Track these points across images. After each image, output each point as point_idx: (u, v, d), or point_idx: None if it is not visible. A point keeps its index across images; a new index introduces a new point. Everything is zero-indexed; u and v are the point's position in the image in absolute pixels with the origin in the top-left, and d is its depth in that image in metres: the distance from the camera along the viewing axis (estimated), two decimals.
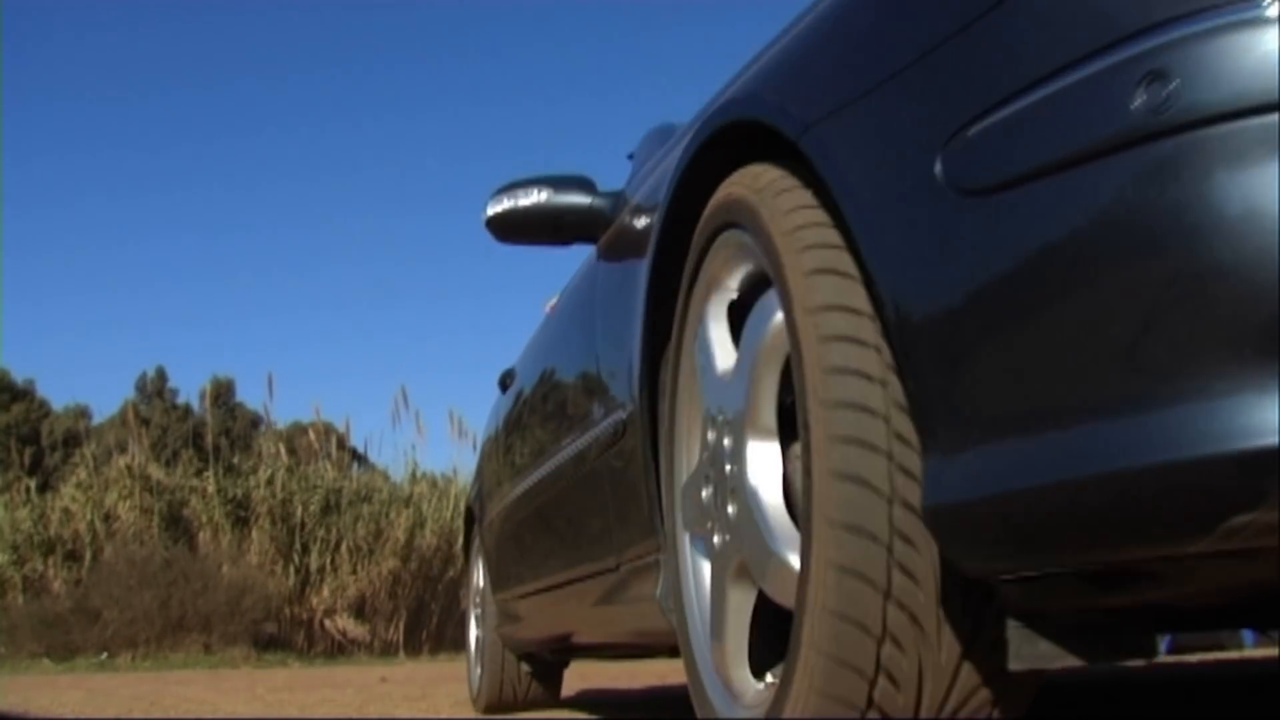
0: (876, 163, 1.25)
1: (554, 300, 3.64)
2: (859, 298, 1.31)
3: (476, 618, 4.54)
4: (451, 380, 37.23)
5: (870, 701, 1.29)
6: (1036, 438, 1.04)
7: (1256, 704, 3.02)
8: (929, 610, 1.26)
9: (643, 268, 2.07)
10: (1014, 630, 1.20)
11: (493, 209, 2.87)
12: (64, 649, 10.28)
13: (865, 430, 1.26)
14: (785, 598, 1.49)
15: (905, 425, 1.25)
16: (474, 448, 10.24)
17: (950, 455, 1.14)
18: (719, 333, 1.67)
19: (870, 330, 1.29)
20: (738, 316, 1.68)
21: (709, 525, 1.70)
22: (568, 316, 3.05)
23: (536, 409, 3.33)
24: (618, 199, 2.74)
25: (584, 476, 2.53)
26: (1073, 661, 1.21)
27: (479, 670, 4.36)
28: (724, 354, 1.66)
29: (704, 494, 1.70)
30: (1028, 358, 1.05)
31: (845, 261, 1.34)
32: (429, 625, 11.61)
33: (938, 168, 1.14)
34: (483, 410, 6.64)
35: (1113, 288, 0.98)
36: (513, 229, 2.89)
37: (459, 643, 10.83)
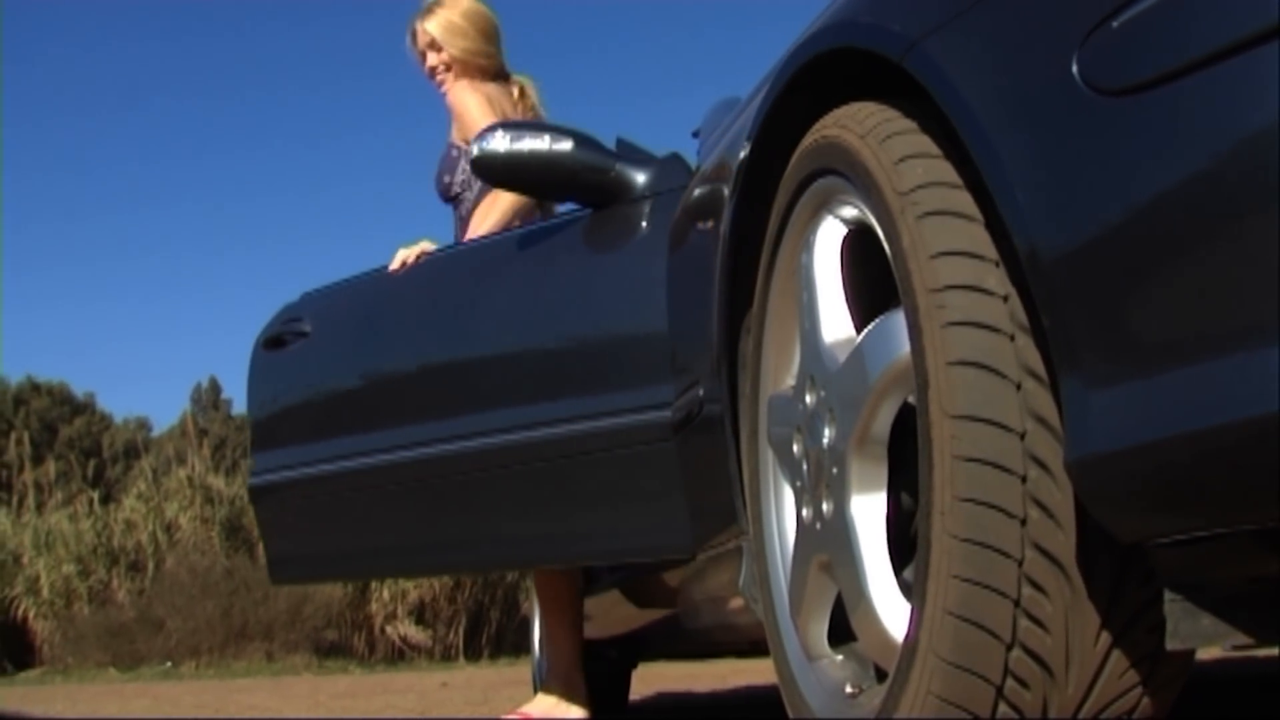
0: (997, 72, 1.10)
1: (411, 253, 3.04)
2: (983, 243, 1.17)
3: (540, 620, 4.42)
4: None
5: (1000, 696, 1.14)
6: (1208, 370, 0.89)
7: (1257, 704, 2.87)
8: (1073, 584, 1.11)
9: (716, 237, 1.93)
10: (1172, 604, 1.04)
11: (496, 146, 2.51)
12: (129, 658, 10.30)
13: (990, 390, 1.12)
14: (871, 647, 1.38)
15: (1034, 357, 1.12)
16: None
17: (1101, 399, 0.98)
18: (825, 275, 1.52)
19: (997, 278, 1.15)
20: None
21: (797, 483, 1.57)
22: (553, 282, 2.62)
23: (496, 370, 2.69)
24: (661, 169, 2.53)
25: (624, 460, 2.33)
26: (1238, 639, 1.05)
27: (544, 674, 4.24)
28: (831, 313, 1.51)
29: (795, 448, 1.57)
30: (1197, 276, 0.90)
31: (965, 202, 1.20)
32: (489, 629, 11.52)
33: (1074, 68, 0.99)
34: None
35: None
36: (512, 174, 2.55)
37: (520, 647, 10.74)
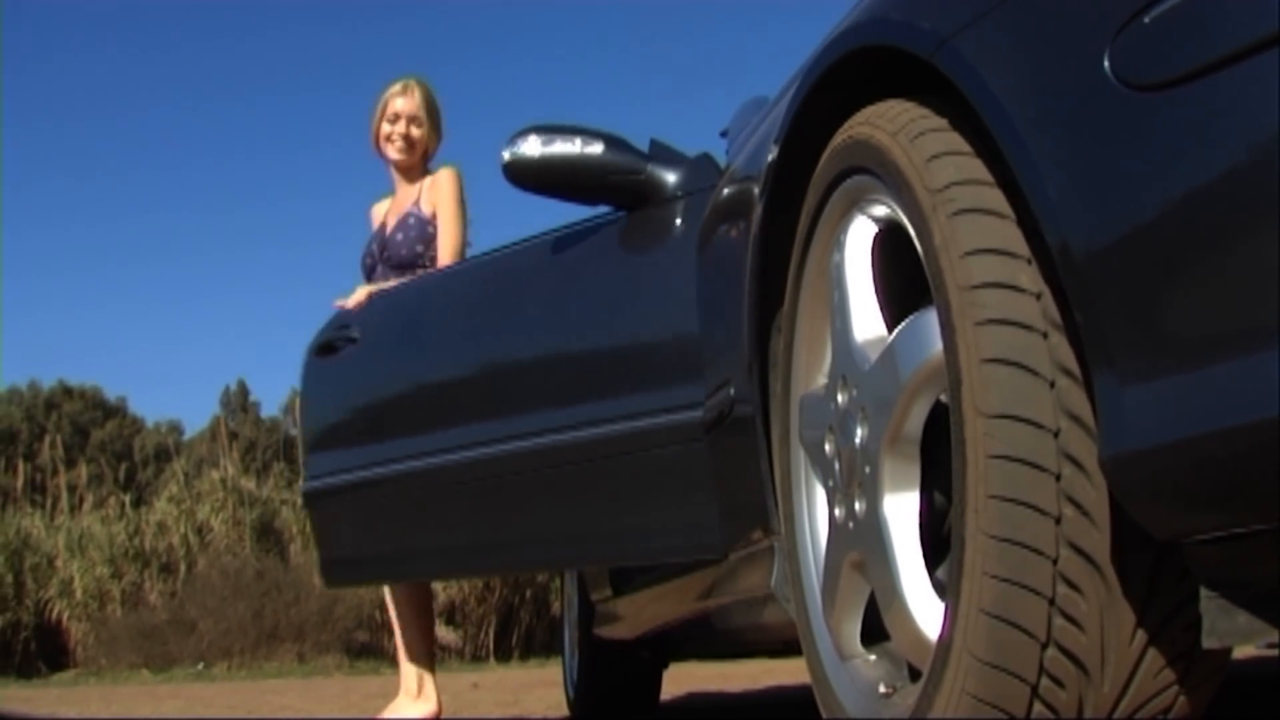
0: (1028, 68, 1.10)
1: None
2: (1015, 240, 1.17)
3: (571, 621, 4.43)
4: None
5: (1035, 695, 1.14)
6: (1244, 366, 0.89)
7: (1257, 704, 2.85)
8: (1108, 582, 1.11)
9: (746, 237, 1.93)
10: (1208, 602, 1.03)
11: (528, 151, 2.56)
12: (161, 660, 10.37)
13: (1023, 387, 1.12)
14: (905, 646, 1.38)
15: (1067, 355, 1.11)
16: None
17: (1135, 396, 0.98)
18: (857, 274, 1.52)
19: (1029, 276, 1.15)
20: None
21: (829, 483, 1.57)
22: (590, 284, 2.66)
23: (524, 377, 2.77)
24: (691, 169, 2.55)
25: (656, 460, 2.35)
26: (1275, 636, 1.04)
27: (576, 675, 4.25)
28: (863, 312, 1.51)
29: (827, 448, 1.57)
30: (1232, 271, 0.90)
31: (996, 199, 1.20)
32: (519, 630, 11.55)
33: (1106, 64, 0.99)
34: None
35: None
36: (543, 178, 2.58)
37: (550, 647, 10.75)
